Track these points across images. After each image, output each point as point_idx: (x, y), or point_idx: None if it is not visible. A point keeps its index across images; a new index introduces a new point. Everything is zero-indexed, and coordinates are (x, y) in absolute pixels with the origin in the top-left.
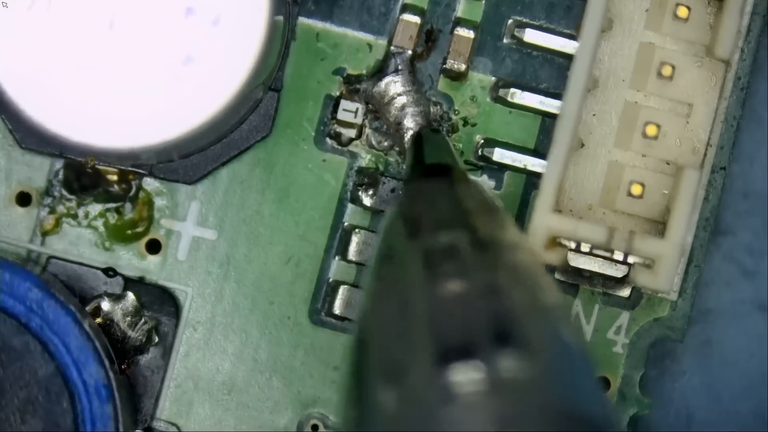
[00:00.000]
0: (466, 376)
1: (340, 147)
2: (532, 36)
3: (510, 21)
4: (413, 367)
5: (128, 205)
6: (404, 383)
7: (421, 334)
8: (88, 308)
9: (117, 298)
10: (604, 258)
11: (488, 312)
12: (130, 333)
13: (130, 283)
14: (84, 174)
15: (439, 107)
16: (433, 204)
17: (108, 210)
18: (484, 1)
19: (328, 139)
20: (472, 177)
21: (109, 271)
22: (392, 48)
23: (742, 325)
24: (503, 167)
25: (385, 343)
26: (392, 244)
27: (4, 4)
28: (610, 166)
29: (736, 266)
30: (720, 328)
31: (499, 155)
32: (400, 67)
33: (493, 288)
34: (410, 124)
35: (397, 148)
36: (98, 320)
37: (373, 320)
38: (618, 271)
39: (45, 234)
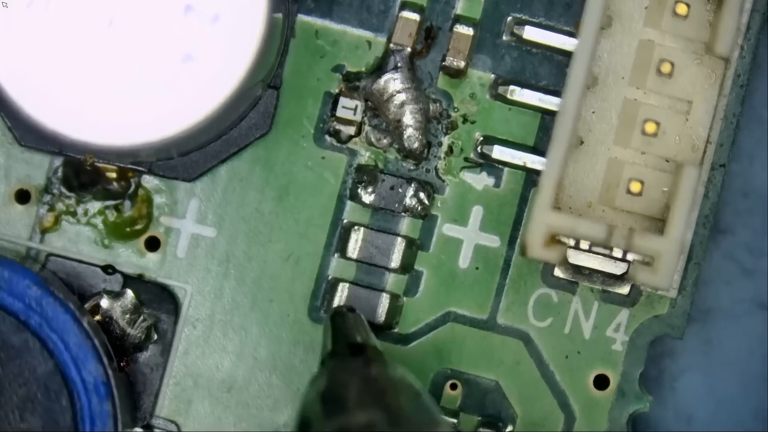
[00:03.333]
0: None
1: (339, 144)
2: (531, 33)
3: (509, 18)
4: None
5: (127, 203)
6: None
7: None
8: (87, 306)
9: (116, 295)
10: (604, 255)
11: None
12: (129, 330)
13: (129, 280)
14: (83, 171)
15: (438, 104)
16: (349, 383)
17: (107, 207)
18: None
19: (327, 137)
20: (385, 356)
21: (108, 269)
22: (391, 45)
23: (741, 323)
24: (502, 164)
25: None
26: (310, 421)
27: (4, 4)
28: (610, 163)
29: (735, 265)
30: (720, 327)
31: (499, 152)
32: (399, 65)
33: None
34: (409, 121)
35: (396, 146)
36: (97, 318)
37: None
38: (617, 269)
39: (44, 231)
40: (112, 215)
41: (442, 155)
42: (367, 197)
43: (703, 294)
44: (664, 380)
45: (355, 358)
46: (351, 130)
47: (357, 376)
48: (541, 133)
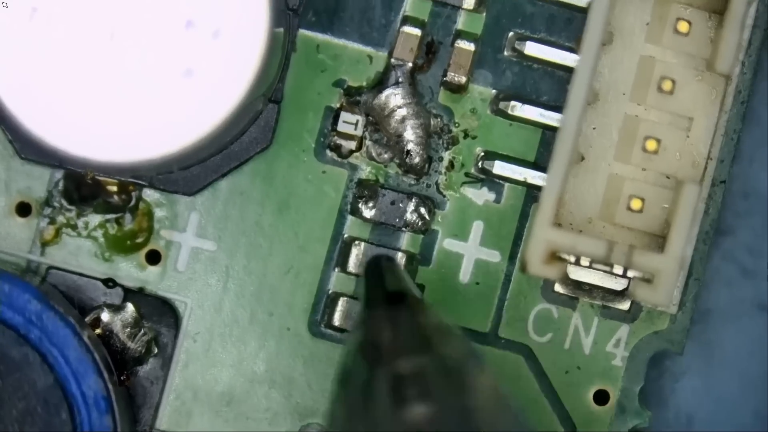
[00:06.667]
0: None
1: (340, 159)
2: (532, 49)
3: (510, 34)
4: None
5: (128, 216)
6: None
7: None
8: (87, 319)
9: (116, 309)
10: (604, 271)
11: None
12: (130, 344)
13: (129, 293)
14: (84, 184)
15: (439, 119)
16: (393, 331)
17: (108, 221)
18: (484, 14)
19: (328, 151)
20: (425, 302)
21: (109, 282)
22: (393, 60)
23: (741, 325)
24: (503, 180)
25: None
26: (355, 371)
27: (4, 4)
28: (610, 179)
29: (735, 266)
30: (720, 328)
31: (499, 168)
32: (400, 80)
33: (466, 411)
34: (410, 137)
35: (396, 161)
36: (97, 331)
37: None
38: (618, 285)
39: (45, 244)
40: (112, 228)
41: (443, 170)
42: (368, 212)
43: (703, 295)
44: (664, 381)
45: (396, 306)
46: (352, 144)
47: (400, 324)
48: (541, 148)
